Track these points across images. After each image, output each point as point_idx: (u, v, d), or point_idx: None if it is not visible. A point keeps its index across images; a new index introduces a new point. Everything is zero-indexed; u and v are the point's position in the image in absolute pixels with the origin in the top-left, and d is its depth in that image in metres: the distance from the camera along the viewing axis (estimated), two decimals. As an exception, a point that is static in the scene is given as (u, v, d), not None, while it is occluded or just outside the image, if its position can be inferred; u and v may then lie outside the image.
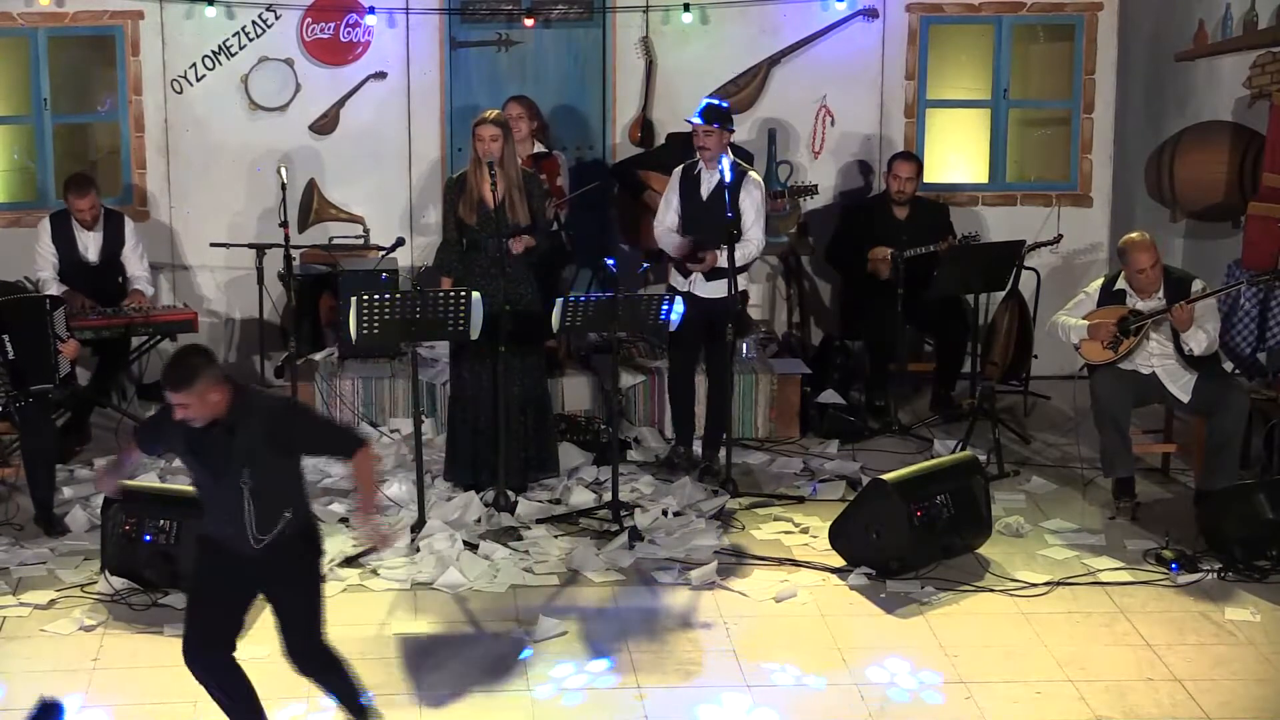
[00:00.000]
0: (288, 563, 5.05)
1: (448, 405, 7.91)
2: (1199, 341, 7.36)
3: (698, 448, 8.20)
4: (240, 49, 9.53)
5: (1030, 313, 9.35)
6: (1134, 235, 7.55)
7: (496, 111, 7.65)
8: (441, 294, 7.07)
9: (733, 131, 8.07)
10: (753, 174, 8.01)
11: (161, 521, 6.42)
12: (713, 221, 7.77)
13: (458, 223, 7.56)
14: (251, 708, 5.13)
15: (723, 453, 7.87)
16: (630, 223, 9.33)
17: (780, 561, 6.91)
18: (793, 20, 9.78)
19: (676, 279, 7.99)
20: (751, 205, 7.85)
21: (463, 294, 7.04)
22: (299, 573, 5.10)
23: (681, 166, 8.09)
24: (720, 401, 7.99)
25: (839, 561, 6.86)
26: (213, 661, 5.07)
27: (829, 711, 5.61)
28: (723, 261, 7.64)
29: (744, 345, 8.86)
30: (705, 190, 7.93)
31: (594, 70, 9.83)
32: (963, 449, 7.98)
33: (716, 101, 8.14)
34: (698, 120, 7.87)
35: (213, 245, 8.97)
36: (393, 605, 6.45)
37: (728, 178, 7.76)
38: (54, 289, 8.42)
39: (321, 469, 8.09)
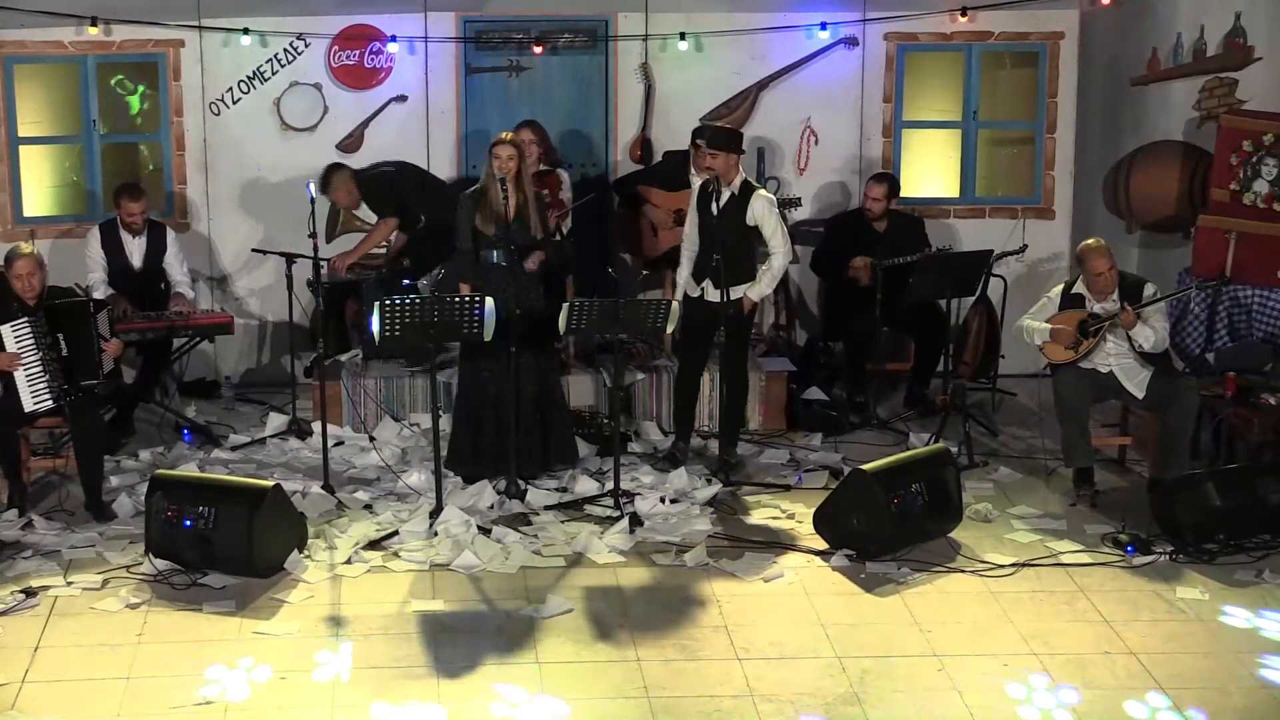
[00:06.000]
0: None
1: (455, 402, 7.86)
2: (1146, 338, 7.36)
3: (694, 441, 8.16)
4: (273, 74, 9.56)
5: (998, 316, 9.35)
6: (1090, 241, 7.50)
7: (513, 134, 7.66)
8: (457, 299, 7.05)
9: (736, 154, 7.70)
10: (760, 191, 7.72)
11: (200, 508, 6.40)
12: (723, 235, 7.60)
13: (474, 232, 7.54)
14: None
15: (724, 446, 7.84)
16: (630, 234, 9.31)
17: (768, 544, 6.91)
18: (780, 48, 9.81)
19: (688, 284, 7.82)
20: (771, 218, 7.66)
21: (476, 299, 7.02)
22: None
23: (701, 183, 7.80)
24: (732, 400, 7.87)
25: (822, 544, 6.85)
26: None
27: (813, 681, 5.59)
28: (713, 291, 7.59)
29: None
30: (715, 207, 7.66)
31: (597, 94, 9.84)
32: (936, 441, 7.95)
33: (724, 125, 7.97)
34: (702, 142, 7.75)
35: (254, 250, 9.08)
36: (413, 585, 6.44)
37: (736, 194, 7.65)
38: (101, 293, 8.41)
39: (347, 459, 8.10)
